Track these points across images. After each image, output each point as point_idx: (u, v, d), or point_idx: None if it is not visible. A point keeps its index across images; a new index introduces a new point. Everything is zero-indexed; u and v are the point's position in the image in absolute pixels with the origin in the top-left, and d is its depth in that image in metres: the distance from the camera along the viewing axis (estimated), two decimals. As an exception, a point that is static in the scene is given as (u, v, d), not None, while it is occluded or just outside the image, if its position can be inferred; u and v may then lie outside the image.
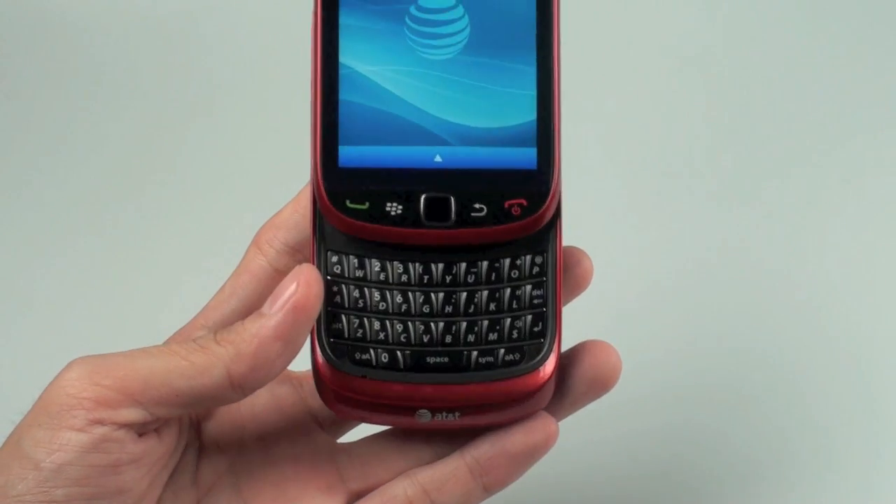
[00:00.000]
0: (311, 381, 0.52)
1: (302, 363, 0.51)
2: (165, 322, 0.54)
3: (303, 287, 0.47)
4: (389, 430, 0.53)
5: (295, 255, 0.52)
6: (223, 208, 0.77)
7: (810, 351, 0.70)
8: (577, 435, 0.56)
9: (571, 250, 0.51)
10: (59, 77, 0.83)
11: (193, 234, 0.76)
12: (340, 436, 0.55)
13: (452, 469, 0.50)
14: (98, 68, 0.83)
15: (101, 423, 0.46)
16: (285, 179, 0.54)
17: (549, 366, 0.49)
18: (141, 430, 0.47)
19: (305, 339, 0.47)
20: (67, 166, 0.79)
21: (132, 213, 0.77)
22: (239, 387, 0.47)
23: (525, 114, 0.50)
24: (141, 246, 0.76)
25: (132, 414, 0.46)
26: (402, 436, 0.52)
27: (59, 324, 0.72)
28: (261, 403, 0.54)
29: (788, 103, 0.80)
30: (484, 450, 0.50)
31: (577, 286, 0.52)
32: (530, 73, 0.50)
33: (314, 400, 0.53)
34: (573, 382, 0.51)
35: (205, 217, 0.77)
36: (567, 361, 0.51)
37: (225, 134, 0.80)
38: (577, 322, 0.52)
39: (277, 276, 0.52)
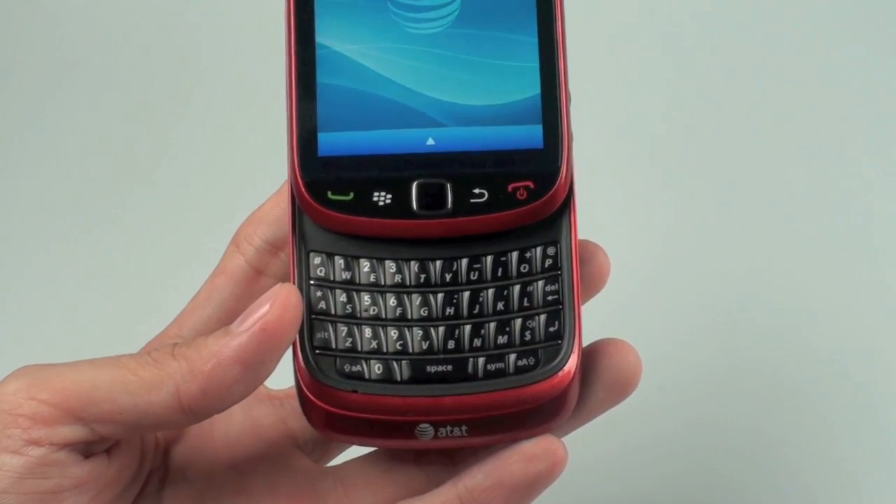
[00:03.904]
0: (294, 401, 0.49)
1: (283, 380, 0.48)
2: (147, 328, 0.52)
3: (276, 309, 0.44)
4: (379, 450, 0.50)
5: (276, 253, 0.50)
6: (209, 205, 0.76)
7: (843, 344, 0.69)
8: (586, 446, 0.53)
9: (584, 244, 0.48)
10: (38, 75, 0.82)
11: (178, 233, 0.75)
12: (326, 462, 0.52)
13: (443, 502, 0.47)
14: (78, 66, 0.82)
15: (37, 443, 0.43)
16: (275, 176, 0.51)
17: (570, 370, 0.46)
18: (86, 450, 0.44)
19: (272, 369, 0.44)
20: (48, 166, 0.79)
21: (114, 212, 0.77)
22: (189, 410, 0.44)
23: (527, 88, 0.47)
24: (123, 246, 0.75)
25: (73, 432, 0.43)
26: (391, 458, 0.50)
27: (37, 329, 0.72)
28: (236, 425, 0.51)
29: (818, 89, 0.78)
30: (478, 480, 0.47)
31: (593, 285, 0.49)
32: (531, 43, 0.47)
33: (296, 421, 0.51)
34: (588, 388, 0.48)
35: (190, 215, 0.76)
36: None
37: (210, 130, 0.79)
38: (590, 324, 0.49)
39: (257, 276, 0.50)
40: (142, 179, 0.78)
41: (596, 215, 0.52)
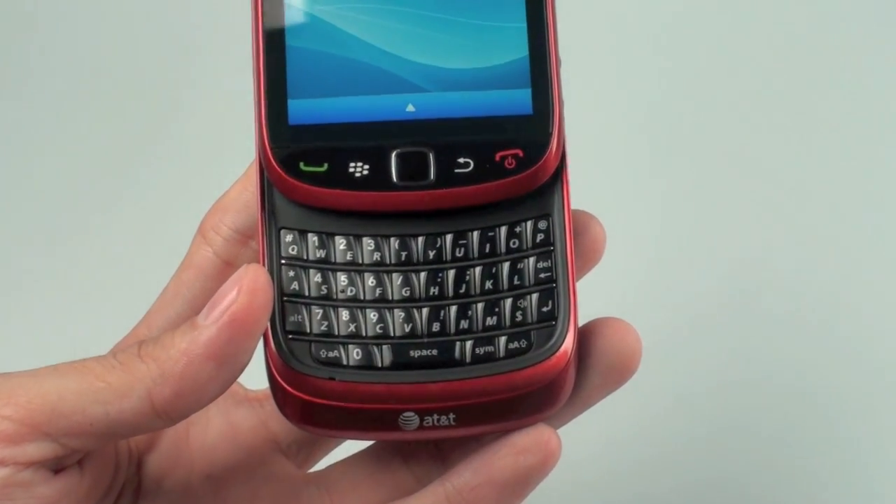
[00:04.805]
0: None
1: (263, 380, 0.46)
2: (115, 325, 0.50)
3: (244, 295, 0.42)
4: (364, 451, 0.49)
5: (246, 242, 0.48)
6: (177, 193, 0.75)
7: (856, 326, 0.69)
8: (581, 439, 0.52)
9: (576, 214, 0.47)
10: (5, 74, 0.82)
11: (146, 224, 0.75)
12: (310, 466, 0.51)
13: None
14: (41, 65, 0.82)
15: (1, 463, 0.41)
16: (245, 161, 0.50)
17: (565, 352, 0.45)
18: (56, 465, 0.43)
19: (248, 359, 0.43)
20: (14, 164, 0.79)
21: (78, 204, 0.76)
22: (165, 414, 0.42)
23: (515, 50, 0.46)
24: (88, 241, 0.75)
25: (40, 449, 0.42)
26: (378, 460, 0.48)
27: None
28: (213, 431, 0.50)
29: (817, 61, 0.78)
30: (466, 478, 0.45)
31: (587, 260, 0.47)
32: (518, 1, 0.46)
33: (277, 423, 0.49)
34: (584, 373, 0.46)
35: (158, 206, 0.75)
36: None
37: (178, 112, 0.79)
38: (584, 302, 0.47)
39: (227, 269, 0.48)
40: (106, 170, 0.78)
41: (589, 184, 0.51)
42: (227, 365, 0.42)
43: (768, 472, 0.64)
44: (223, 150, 0.56)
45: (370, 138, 0.45)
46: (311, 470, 0.50)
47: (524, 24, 0.46)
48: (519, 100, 0.46)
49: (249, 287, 0.42)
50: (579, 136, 0.52)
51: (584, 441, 0.52)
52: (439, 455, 0.47)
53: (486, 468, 0.45)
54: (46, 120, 0.80)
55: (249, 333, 0.42)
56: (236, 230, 0.48)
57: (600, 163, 0.70)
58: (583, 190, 0.49)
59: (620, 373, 0.46)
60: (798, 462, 0.65)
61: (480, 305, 0.45)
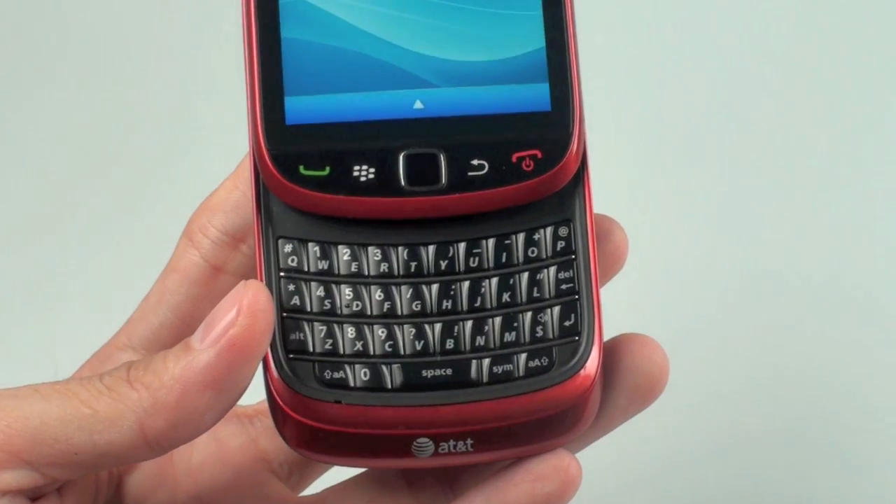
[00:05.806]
0: (265, 418, 0.48)
1: (253, 393, 0.45)
2: (94, 329, 0.49)
3: (244, 317, 0.41)
4: (364, 474, 0.48)
5: (236, 245, 0.47)
6: (162, 191, 0.74)
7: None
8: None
9: (598, 219, 0.46)
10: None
11: (127, 223, 0.74)
12: (303, 488, 0.50)
13: None
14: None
15: None
16: (236, 157, 0.49)
17: (590, 371, 0.43)
18: (34, 493, 0.42)
19: (247, 385, 0.42)
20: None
21: (58, 203, 0.76)
22: (157, 445, 0.42)
23: (531, 40, 0.45)
24: (65, 240, 0.74)
25: (19, 478, 0.41)
26: (379, 484, 0.48)
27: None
28: (199, 450, 0.48)
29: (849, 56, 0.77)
30: None
31: (609, 266, 0.46)
32: None
33: (268, 441, 0.48)
34: (608, 393, 0.45)
35: (141, 203, 0.75)
36: None
37: (161, 104, 0.78)
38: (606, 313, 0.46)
39: (215, 274, 0.47)
40: (87, 169, 0.77)
41: (609, 187, 0.50)
42: (226, 392, 0.41)
43: (788, 483, 0.64)
44: (213, 147, 0.56)
45: (375, 139, 0.44)
46: (305, 493, 0.49)
47: (540, 13, 0.45)
48: (536, 95, 0.44)
49: (250, 308, 0.41)
50: (596, 134, 0.50)
51: (599, 456, 0.51)
52: (447, 480, 0.46)
53: (499, 496, 0.44)
54: (29, 117, 0.79)
55: (250, 359, 0.41)
56: (225, 232, 0.47)
57: (619, 163, 0.69)
58: (601, 193, 0.48)
59: (647, 393, 0.45)
60: (825, 477, 0.65)
61: (497, 320, 0.44)
